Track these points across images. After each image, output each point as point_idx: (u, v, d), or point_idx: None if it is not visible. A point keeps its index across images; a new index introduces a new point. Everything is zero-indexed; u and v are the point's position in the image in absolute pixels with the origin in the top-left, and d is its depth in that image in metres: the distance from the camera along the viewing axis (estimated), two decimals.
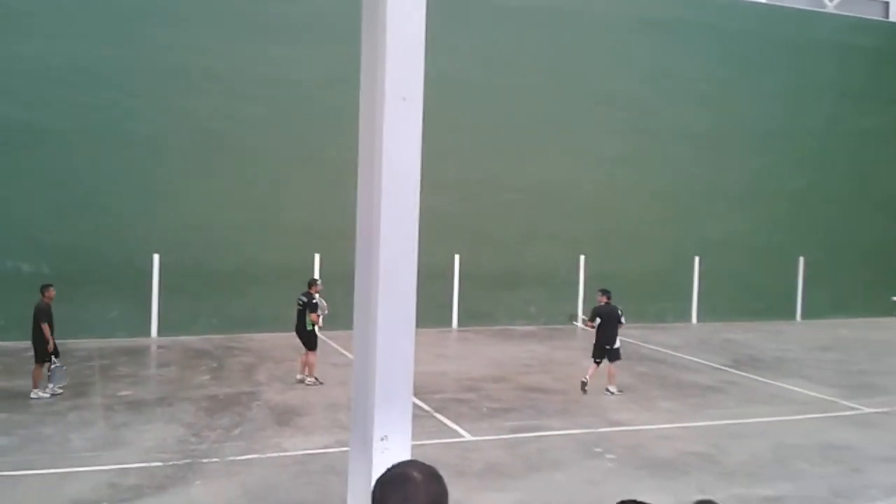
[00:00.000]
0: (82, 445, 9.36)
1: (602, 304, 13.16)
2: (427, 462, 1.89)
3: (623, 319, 13.05)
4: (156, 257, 16.40)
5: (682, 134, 20.43)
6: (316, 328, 13.03)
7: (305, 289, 13.27)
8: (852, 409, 12.40)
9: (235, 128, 17.00)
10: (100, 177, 16.11)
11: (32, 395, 11.39)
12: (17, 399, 11.28)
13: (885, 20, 23.27)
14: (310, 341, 12.93)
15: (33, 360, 11.61)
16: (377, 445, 3.58)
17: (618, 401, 12.46)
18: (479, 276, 18.92)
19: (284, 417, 10.89)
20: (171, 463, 8.81)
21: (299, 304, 13.09)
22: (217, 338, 16.42)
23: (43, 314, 11.53)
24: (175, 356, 14.80)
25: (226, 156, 16.99)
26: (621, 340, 13.16)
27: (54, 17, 15.82)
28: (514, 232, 19.26)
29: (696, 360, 15.96)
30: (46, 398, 11.32)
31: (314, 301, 12.95)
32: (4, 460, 8.71)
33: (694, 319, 20.94)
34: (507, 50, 18.96)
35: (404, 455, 3.65)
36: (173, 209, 16.56)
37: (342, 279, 16.21)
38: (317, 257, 17.42)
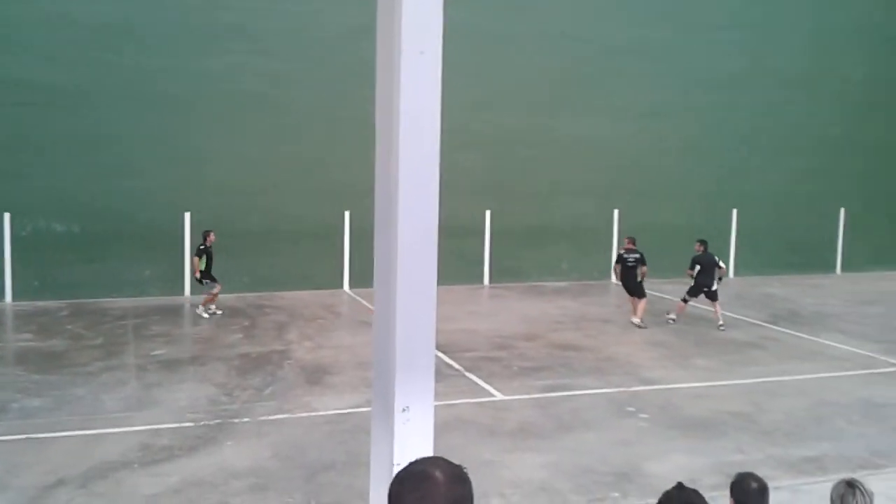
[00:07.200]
0: (114, 406, 9.42)
1: (699, 252, 14.69)
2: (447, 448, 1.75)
3: (721, 264, 14.76)
4: (187, 216, 16.38)
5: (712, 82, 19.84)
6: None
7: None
8: (894, 365, 12.08)
9: (260, 84, 16.79)
10: (131, 139, 16.05)
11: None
12: (51, 360, 11.39)
13: None
14: None
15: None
16: (399, 417, 3.49)
17: (651, 358, 12.26)
18: (508, 233, 18.69)
19: (315, 377, 10.88)
20: (202, 423, 8.83)
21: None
22: (249, 296, 16.47)
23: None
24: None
25: (252, 115, 16.80)
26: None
27: None
28: (540, 186, 18.94)
29: (733, 315, 15.62)
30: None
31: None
32: (36, 422, 8.78)
33: (731, 273, 20.55)
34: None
35: (426, 427, 3.57)
36: (204, 170, 16.48)
37: (368, 236, 16.13)
38: (346, 214, 17.33)
